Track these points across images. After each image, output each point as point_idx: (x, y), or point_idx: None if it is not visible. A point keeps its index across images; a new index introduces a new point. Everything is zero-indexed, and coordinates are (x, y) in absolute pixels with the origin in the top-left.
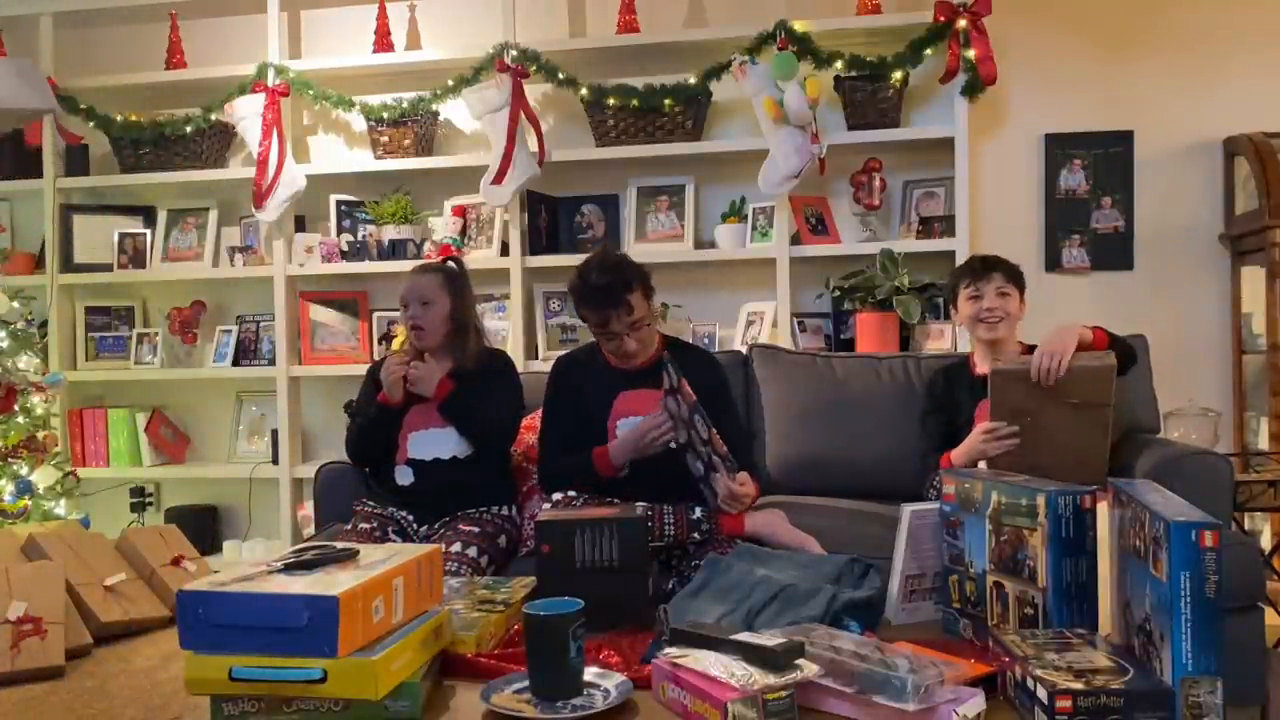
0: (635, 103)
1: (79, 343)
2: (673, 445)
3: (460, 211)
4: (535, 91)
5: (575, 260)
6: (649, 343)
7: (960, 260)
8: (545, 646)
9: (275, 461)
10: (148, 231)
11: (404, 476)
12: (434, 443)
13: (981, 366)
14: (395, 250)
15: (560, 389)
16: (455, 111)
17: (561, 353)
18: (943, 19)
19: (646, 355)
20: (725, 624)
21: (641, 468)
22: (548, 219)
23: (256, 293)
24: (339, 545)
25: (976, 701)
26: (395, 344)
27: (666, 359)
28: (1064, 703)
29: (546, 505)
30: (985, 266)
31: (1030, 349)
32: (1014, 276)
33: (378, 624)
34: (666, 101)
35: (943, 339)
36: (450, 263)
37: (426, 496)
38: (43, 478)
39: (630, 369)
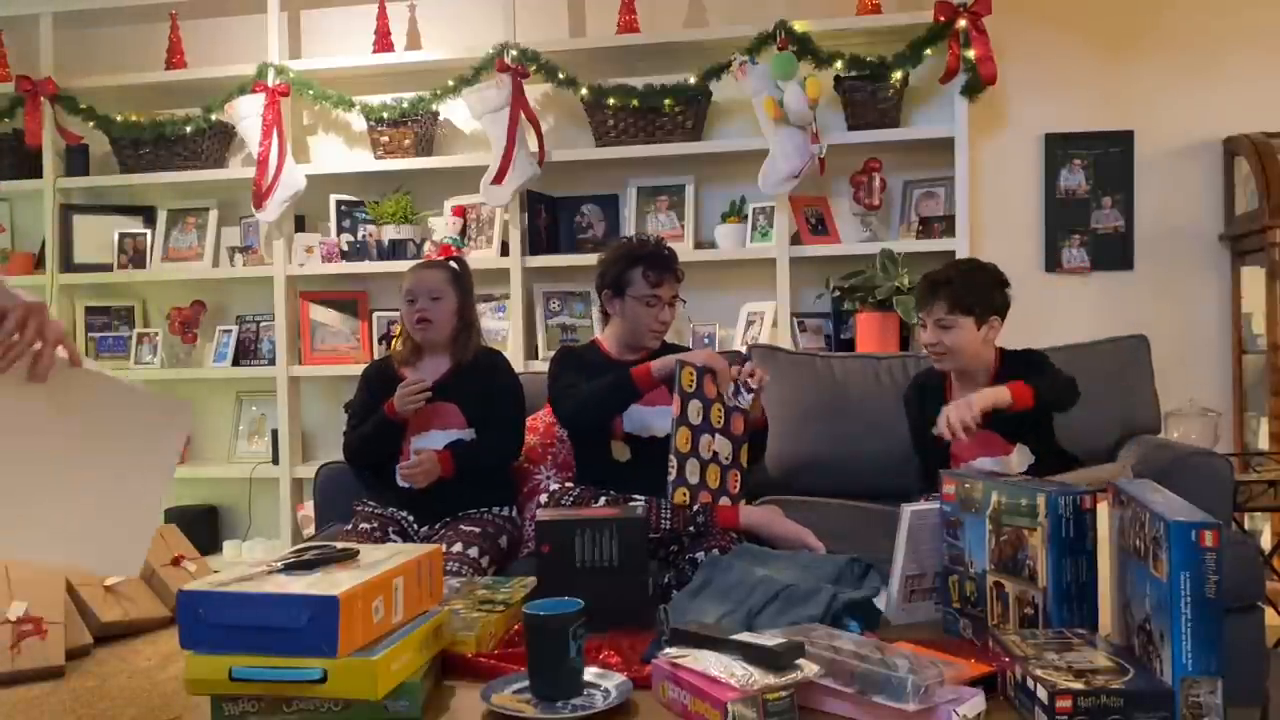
0: (635, 103)
1: (79, 343)
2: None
3: (460, 211)
4: (535, 91)
5: (575, 260)
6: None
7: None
8: (545, 646)
9: (275, 461)
10: (148, 231)
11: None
12: (436, 445)
13: (956, 387)
14: (395, 250)
15: (571, 364)
16: (455, 111)
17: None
18: (943, 19)
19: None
20: (725, 624)
21: (642, 459)
22: (548, 219)
23: (256, 293)
24: (339, 545)
25: (976, 701)
26: (394, 344)
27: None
28: (1064, 703)
29: (543, 498)
30: (930, 291)
31: (1006, 357)
32: (962, 303)
33: (378, 624)
34: (666, 101)
35: None
36: (453, 261)
37: (427, 498)
38: None
39: (632, 360)
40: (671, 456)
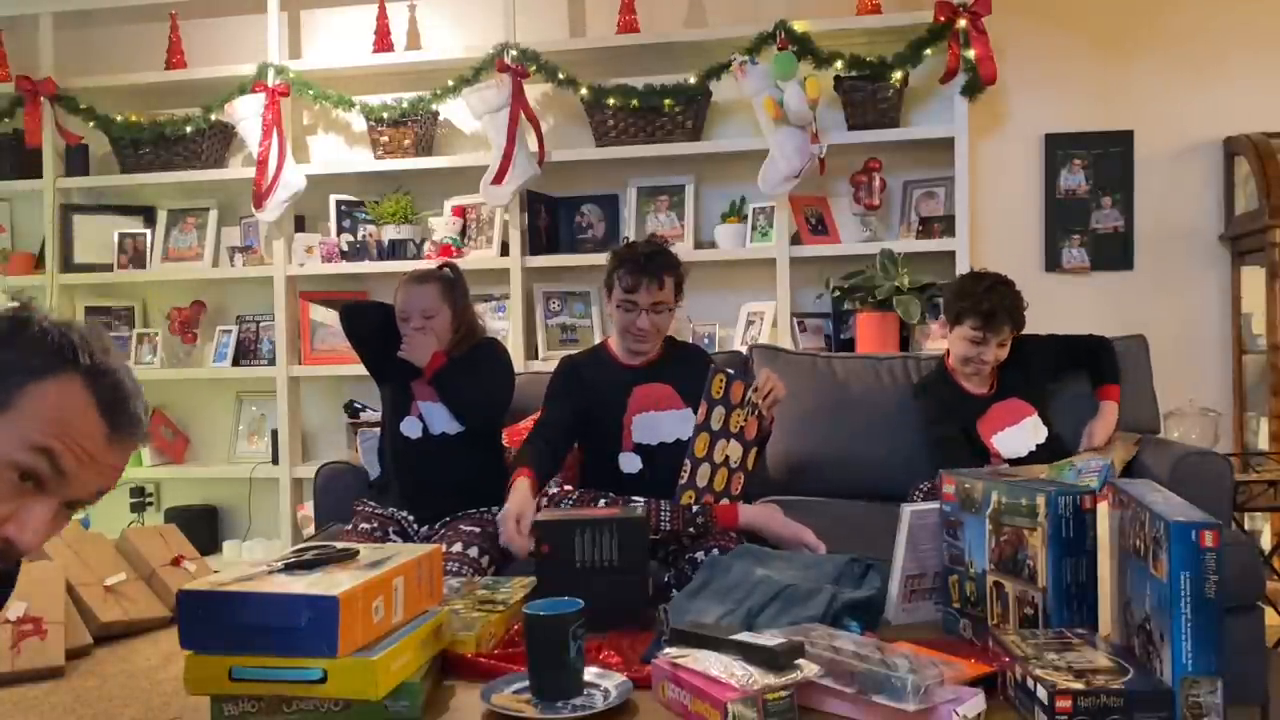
0: (635, 103)
1: None
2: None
3: (460, 211)
4: (535, 91)
5: (575, 260)
6: (662, 329)
7: (960, 260)
8: (545, 646)
9: (275, 461)
10: (148, 231)
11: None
12: (433, 415)
13: (969, 384)
14: (395, 250)
15: (568, 380)
16: (455, 111)
17: (564, 353)
18: (943, 19)
19: (655, 344)
20: (725, 624)
21: (651, 468)
22: (548, 219)
23: (256, 293)
24: (339, 545)
25: (976, 701)
26: None
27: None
28: (1064, 703)
29: (543, 500)
30: (1002, 319)
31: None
32: (1017, 322)
33: (378, 624)
34: (666, 101)
35: (942, 339)
36: (445, 269)
37: (427, 498)
38: None
39: (639, 364)
40: (687, 460)
